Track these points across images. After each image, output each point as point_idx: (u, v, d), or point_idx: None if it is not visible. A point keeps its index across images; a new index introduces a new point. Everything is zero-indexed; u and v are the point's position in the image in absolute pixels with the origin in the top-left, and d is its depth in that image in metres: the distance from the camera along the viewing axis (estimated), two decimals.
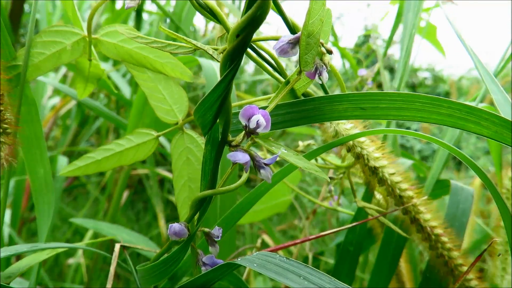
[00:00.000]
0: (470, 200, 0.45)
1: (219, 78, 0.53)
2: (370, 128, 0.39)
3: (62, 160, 0.95)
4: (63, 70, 1.26)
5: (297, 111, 0.35)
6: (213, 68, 0.51)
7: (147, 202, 1.54)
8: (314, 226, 1.33)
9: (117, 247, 0.41)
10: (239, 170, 0.76)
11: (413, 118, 0.31)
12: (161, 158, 1.48)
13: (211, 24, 1.59)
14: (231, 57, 0.29)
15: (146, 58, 0.39)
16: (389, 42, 0.96)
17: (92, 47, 0.39)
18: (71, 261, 1.02)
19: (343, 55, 1.02)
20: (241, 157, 0.29)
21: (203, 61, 0.53)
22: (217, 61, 0.30)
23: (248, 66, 1.88)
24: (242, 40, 0.28)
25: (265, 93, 1.78)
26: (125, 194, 1.27)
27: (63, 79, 1.31)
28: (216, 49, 0.31)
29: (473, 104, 0.32)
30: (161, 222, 1.03)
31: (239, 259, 0.27)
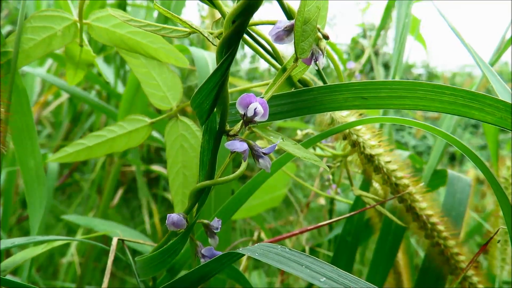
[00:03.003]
0: (467, 190, 0.45)
1: (211, 68, 0.52)
2: (366, 115, 0.39)
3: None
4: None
5: (297, 102, 0.34)
6: (204, 58, 0.50)
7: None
8: (310, 222, 1.33)
9: (114, 240, 0.40)
10: (234, 167, 0.75)
11: (415, 107, 0.31)
12: (155, 155, 1.47)
13: (206, 22, 1.58)
14: (227, 43, 0.28)
15: (139, 43, 0.38)
16: (377, 35, 0.96)
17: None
18: (65, 260, 1.00)
19: (331, 49, 1.01)
20: (239, 145, 0.29)
21: (194, 50, 0.52)
22: (213, 44, 0.29)
23: (244, 64, 1.87)
24: (238, 26, 0.27)
25: None
26: (120, 192, 1.25)
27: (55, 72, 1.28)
28: (211, 33, 0.30)
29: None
30: (146, 217, 1.02)
31: (240, 249, 0.27)
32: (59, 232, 1.16)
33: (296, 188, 1.38)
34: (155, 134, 0.95)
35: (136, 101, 0.67)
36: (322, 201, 1.06)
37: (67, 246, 1.05)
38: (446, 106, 0.29)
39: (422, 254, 0.81)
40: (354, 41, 1.22)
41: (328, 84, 0.34)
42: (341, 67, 1.13)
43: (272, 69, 0.39)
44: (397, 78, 0.55)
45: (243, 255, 0.26)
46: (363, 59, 0.86)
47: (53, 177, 0.89)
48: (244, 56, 1.86)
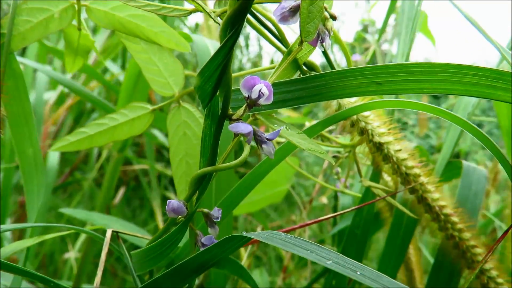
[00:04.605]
0: (483, 182, 0.43)
1: (212, 54, 0.50)
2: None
3: (53, 155, 0.91)
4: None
5: (307, 88, 0.32)
6: (206, 45, 0.49)
7: (143, 199, 1.52)
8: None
9: (108, 232, 0.39)
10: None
11: (434, 91, 0.29)
12: (157, 153, 1.46)
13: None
14: (232, 21, 0.27)
15: (139, 27, 0.36)
16: (382, 30, 0.94)
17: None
18: (66, 255, 0.99)
19: (335, 41, 1.00)
20: (243, 127, 0.28)
21: (196, 37, 0.50)
22: (216, 22, 0.28)
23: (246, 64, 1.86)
24: (244, 2, 0.26)
25: None
26: (121, 191, 1.24)
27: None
28: (214, 12, 0.29)
29: None
30: (159, 217, 1.00)
31: (244, 233, 0.25)
32: (59, 230, 1.15)
33: (298, 186, 1.37)
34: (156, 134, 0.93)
35: (136, 94, 0.66)
36: (324, 199, 1.04)
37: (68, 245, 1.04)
38: (469, 88, 0.27)
39: (425, 252, 0.79)
40: (360, 38, 1.21)
41: (340, 68, 0.32)
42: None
43: (277, 43, 0.37)
44: None
45: (248, 239, 0.25)
46: (369, 52, 0.84)
47: (53, 174, 0.88)
48: (248, 54, 1.85)
